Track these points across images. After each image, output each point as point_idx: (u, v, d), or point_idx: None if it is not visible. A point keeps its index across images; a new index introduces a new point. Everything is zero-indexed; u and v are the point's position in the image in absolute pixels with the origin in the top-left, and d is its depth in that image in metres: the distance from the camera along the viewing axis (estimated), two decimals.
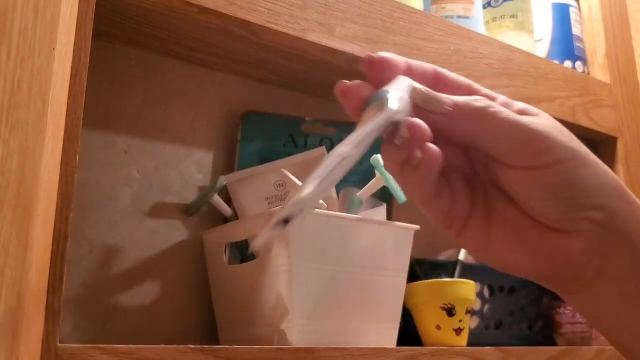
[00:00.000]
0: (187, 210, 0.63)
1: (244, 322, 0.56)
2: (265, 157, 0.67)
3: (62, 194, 0.42)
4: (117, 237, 0.60)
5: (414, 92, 0.32)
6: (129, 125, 0.63)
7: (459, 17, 0.75)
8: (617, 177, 0.34)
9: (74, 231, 0.57)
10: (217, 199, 0.61)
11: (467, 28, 0.73)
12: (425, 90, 0.32)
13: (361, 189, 0.60)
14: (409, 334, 0.64)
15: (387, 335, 0.58)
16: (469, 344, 0.62)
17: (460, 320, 0.61)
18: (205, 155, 0.67)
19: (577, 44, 0.89)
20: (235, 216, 0.63)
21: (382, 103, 0.30)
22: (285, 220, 0.26)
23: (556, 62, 0.85)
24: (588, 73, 0.89)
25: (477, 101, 0.32)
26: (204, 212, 0.65)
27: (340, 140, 0.78)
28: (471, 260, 0.78)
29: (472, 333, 0.66)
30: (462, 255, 0.71)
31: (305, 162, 0.64)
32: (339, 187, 0.66)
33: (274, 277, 0.53)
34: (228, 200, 0.64)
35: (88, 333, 0.57)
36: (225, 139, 0.68)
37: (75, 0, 0.44)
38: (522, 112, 0.34)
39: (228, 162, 0.68)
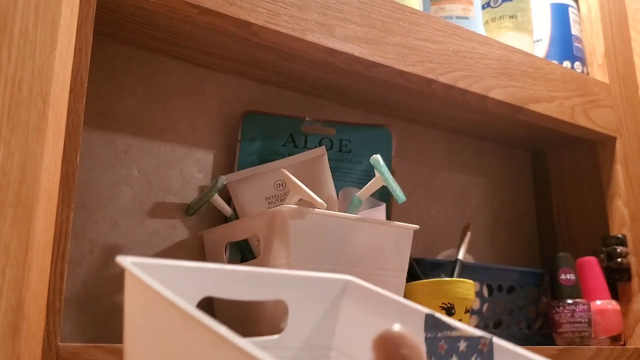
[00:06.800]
0: (187, 210, 0.64)
1: (244, 321, 0.56)
2: (265, 157, 0.67)
3: (62, 193, 0.43)
4: (117, 237, 0.60)
5: None
6: (129, 125, 0.63)
7: (458, 17, 0.76)
8: None
9: (75, 231, 0.57)
10: (217, 199, 0.62)
11: (466, 28, 0.73)
12: None
13: (361, 188, 0.60)
14: None
15: None
16: None
17: (460, 320, 0.61)
18: (205, 155, 0.67)
19: (576, 44, 0.89)
20: (235, 216, 0.63)
21: None
22: None
23: (555, 62, 0.85)
24: (587, 73, 0.89)
25: None
26: (204, 212, 0.65)
27: (340, 140, 0.78)
28: (470, 259, 0.78)
29: None
30: (461, 254, 0.71)
31: (305, 162, 0.64)
32: (338, 187, 0.66)
33: None
34: (228, 200, 0.64)
35: (89, 332, 0.57)
36: (225, 139, 0.69)
37: (76, 1, 0.45)
38: None
39: (228, 162, 0.68)
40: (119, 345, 0.43)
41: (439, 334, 0.36)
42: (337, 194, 0.65)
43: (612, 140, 0.87)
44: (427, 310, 0.37)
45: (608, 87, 0.88)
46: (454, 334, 0.36)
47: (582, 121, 0.82)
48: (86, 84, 0.45)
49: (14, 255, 0.36)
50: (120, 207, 0.61)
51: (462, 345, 0.35)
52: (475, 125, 0.87)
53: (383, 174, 0.58)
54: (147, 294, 0.27)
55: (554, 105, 0.79)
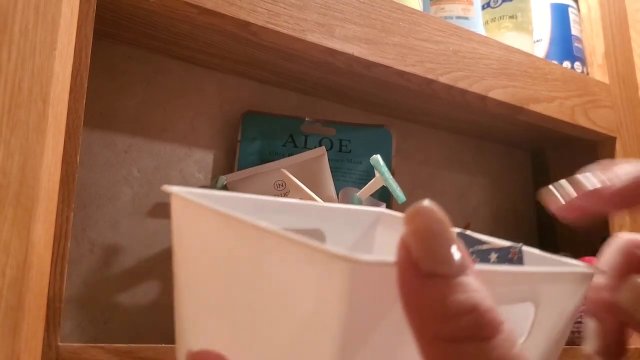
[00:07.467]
0: None
1: None
2: (265, 157, 0.67)
3: (62, 193, 0.43)
4: (117, 237, 0.60)
5: None
6: (129, 125, 0.63)
7: (458, 17, 0.76)
8: None
9: (75, 231, 0.57)
10: None
11: (466, 29, 0.73)
12: None
13: (361, 188, 0.60)
14: None
15: None
16: None
17: None
18: (205, 155, 0.67)
19: (576, 44, 0.89)
20: None
21: None
22: None
23: (555, 62, 0.85)
24: (587, 73, 0.89)
25: None
26: None
27: (340, 140, 0.78)
28: None
29: None
30: None
31: (305, 162, 0.64)
32: (338, 187, 0.66)
33: None
34: None
35: (89, 332, 0.57)
36: (225, 139, 0.69)
37: (76, 1, 0.45)
38: None
39: (228, 162, 0.68)
40: (119, 345, 0.43)
41: (471, 249, 0.37)
42: (337, 194, 0.65)
43: (612, 140, 0.87)
44: (457, 229, 0.38)
45: (608, 87, 0.88)
46: (484, 247, 0.36)
47: (582, 121, 0.82)
48: (86, 84, 0.45)
49: (14, 255, 0.36)
50: (120, 207, 0.61)
51: (493, 257, 0.36)
52: (475, 125, 0.87)
53: (383, 174, 0.58)
54: (191, 210, 0.29)
55: (554, 105, 0.79)
